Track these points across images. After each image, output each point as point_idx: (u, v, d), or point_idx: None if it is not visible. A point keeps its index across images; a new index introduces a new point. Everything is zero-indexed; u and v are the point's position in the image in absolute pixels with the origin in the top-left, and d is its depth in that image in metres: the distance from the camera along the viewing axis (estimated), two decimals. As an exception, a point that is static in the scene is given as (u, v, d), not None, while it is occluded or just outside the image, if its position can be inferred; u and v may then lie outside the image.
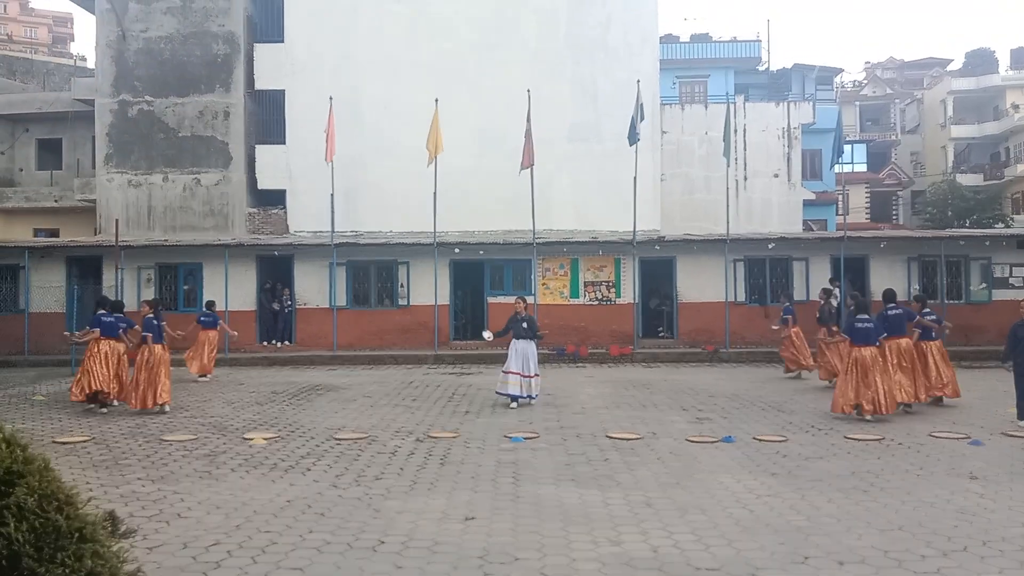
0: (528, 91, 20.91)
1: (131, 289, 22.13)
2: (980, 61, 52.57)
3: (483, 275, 22.61)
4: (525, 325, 13.40)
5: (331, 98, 21.25)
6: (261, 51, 25.07)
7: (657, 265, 22.82)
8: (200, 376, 17.15)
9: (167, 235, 24.00)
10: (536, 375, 13.25)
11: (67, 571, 2.66)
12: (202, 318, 17.62)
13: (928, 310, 13.61)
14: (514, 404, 12.98)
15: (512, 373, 13.03)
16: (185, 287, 22.59)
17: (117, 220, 22.59)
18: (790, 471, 8.37)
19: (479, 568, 5.53)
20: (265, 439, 10.21)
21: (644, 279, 22.62)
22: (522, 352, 13.12)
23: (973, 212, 41.01)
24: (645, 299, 23.07)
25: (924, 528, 6.37)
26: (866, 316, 12.19)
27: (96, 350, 12.99)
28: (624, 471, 8.41)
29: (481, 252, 22.26)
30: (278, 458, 9.11)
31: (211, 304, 18.25)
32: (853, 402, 11.53)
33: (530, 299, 21.23)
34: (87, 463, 8.94)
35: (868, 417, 11.43)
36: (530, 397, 13.15)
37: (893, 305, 12.67)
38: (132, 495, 7.53)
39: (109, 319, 13.34)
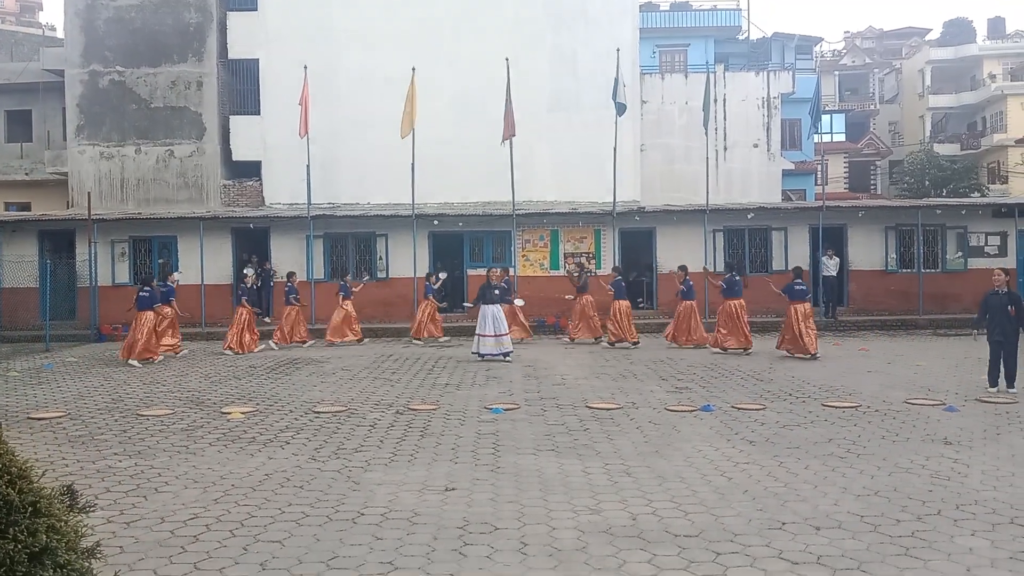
0: (507, 61, 20.69)
1: (105, 263, 21.84)
2: (958, 31, 52.60)
3: (463, 247, 22.52)
4: (496, 292, 15.49)
5: (306, 67, 20.93)
6: (234, 20, 24.61)
7: (637, 236, 22.81)
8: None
9: (140, 208, 23.66)
10: (505, 333, 15.28)
11: (20, 546, 2.59)
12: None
13: (734, 273, 16.95)
14: (488, 357, 15.02)
15: (486, 336, 15.09)
16: (160, 260, 22.32)
17: (89, 193, 22.26)
18: (768, 439, 8.43)
19: (459, 538, 5.53)
20: (243, 413, 10.15)
21: (624, 250, 22.61)
22: (492, 316, 15.16)
23: (950, 181, 41.27)
24: (626, 270, 23.05)
25: (899, 493, 6.45)
26: (801, 280, 15.97)
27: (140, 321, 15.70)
28: (604, 440, 8.44)
29: (460, 224, 22.15)
30: (256, 432, 9.05)
31: (291, 275, 19.34)
32: (790, 345, 15.20)
33: (511, 271, 21.22)
34: (63, 439, 8.85)
35: (817, 355, 14.89)
36: (504, 354, 15.06)
37: (731, 275, 16.76)
38: (108, 470, 7.46)
39: (144, 293, 16.05)
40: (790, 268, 18.22)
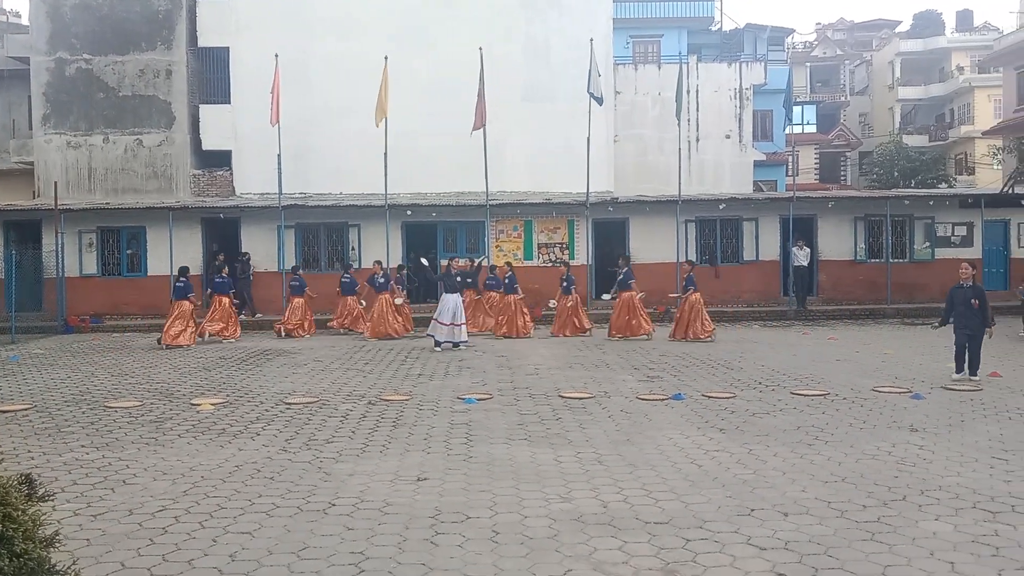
0: (480, 50, 20.61)
1: (72, 254, 21.54)
2: (927, 23, 53.26)
3: (436, 237, 22.46)
4: (459, 279, 16.11)
5: (277, 56, 20.71)
6: (204, 7, 24.26)
7: (610, 226, 22.89)
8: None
9: (108, 198, 23.32)
10: (462, 323, 15.71)
11: None
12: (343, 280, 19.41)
13: (627, 268, 17.85)
14: (438, 348, 15.37)
15: (442, 324, 15.50)
16: (128, 251, 22.05)
17: (56, 183, 21.91)
18: (737, 426, 8.51)
19: (431, 527, 5.53)
20: (213, 404, 10.06)
21: (597, 241, 22.67)
22: (452, 305, 15.59)
23: (918, 173, 41.75)
24: (599, 261, 23.12)
25: (866, 479, 6.54)
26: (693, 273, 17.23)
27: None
28: (576, 429, 8.47)
29: (434, 214, 22.09)
30: (226, 423, 8.98)
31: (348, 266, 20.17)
32: (685, 333, 16.48)
33: (483, 261, 21.14)
34: (28, 431, 8.72)
35: (712, 338, 16.30)
36: (456, 343, 15.48)
37: (628, 269, 17.65)
38: (75, 462, 7.36)
39: (179, 284, 17.21)
40: (699, 260, 19.43)
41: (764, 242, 22.56)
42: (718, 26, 37.24)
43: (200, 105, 24.38)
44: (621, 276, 17.48)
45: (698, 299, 16.81)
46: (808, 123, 46.94)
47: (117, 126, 23.81)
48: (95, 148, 23.79)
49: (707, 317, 16.87)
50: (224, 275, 18.37)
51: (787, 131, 31.89)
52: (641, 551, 5.07)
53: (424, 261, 17.72)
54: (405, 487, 6.47)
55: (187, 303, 17.08)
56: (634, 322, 16.97)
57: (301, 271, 20.06)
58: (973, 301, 11.36)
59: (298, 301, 18.96)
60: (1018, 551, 5.00)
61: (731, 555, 4.98)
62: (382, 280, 18.13)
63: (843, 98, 52.81)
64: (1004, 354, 13.84)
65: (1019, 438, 7.89)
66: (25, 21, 36.80)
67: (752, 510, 5.80)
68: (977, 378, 11.22)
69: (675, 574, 4.72)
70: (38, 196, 23.62)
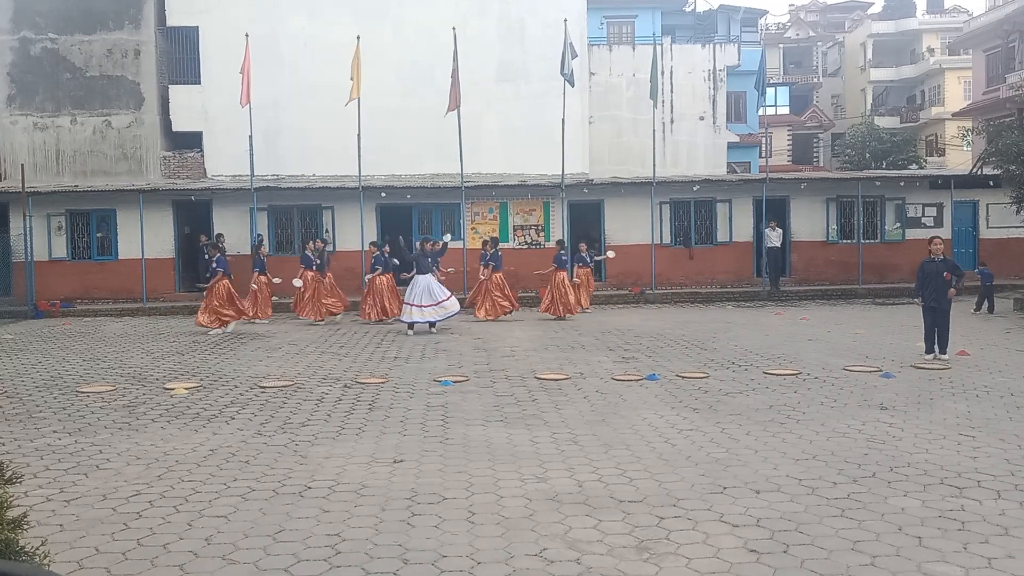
0: (454, 29, 20.45)
1: (41, 237, 21.21)
2: (899, 4, 53.52)
3: (411, 220, 22.35)
4: (429, 260, 15.69)
5: (247, 35, 20.41)
6: (172, -15, 23.83)
7: (585, 208, 22.91)
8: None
9: (77, 180, 22.93)
10: (442, 302, 15.22)
11: None
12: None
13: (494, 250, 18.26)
14: (410, 332, 15.05)
15: (415, 305, 15.09)
16: (98, 235, 21.74)
17: (23, 165, 21.52)
18: (711, 406, 8.60)
19: (407, 508, 5.55)
20: (187, 389, 9.99)
21: (573, 222, 22.69)
22: (425, 285, 15.24)
23: (889, 154, 42.14)
24: (574, 243, 23.12)
25: (836, 457, 6.64)
26: (566, 252, 18.41)
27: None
28: (552, 410, 8.52)
29: (408, 196, 21.96)
30: (200, 407, 8.92)
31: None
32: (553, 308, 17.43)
33: (458, 243, 21.12)
34: (-2, 417, 8.61)
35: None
36: (445, 317, 15.29)
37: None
38: (47, 448, 7.29)
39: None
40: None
41: (737, 223, 22.70)
42: (692, 7, 37.22)
43: (169, 85, 24.00)
44: (487, 257, 17.99)
45: (565, 277, 17.81)
46: (781, 104, 47.21)
47: (85, 107, 23.38)
48: (63, 130, 23.36)
49: (580, 294, 18.30)
50: (261, 254, 18.33)
51: (760, 112, 32.03)
52: (616, 529, 5.12)
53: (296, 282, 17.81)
54: (381, 469, 6.48)
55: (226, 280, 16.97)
56: (503, 302, 17.64)
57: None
58: (946, 274, 11.49)
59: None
60: (983, 525, 5.12)
61: (704, 532, 5.05)
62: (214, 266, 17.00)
63: (816, 80, 53.07)
64: (972, 333, 14.09)
65: (985, 415, 8.05)
66: (-13, -1, 35.96)
67: (725, 488, 5.88)
68: (946, 356, 11.39)
69: (649, 551, 4.78)
70: (5, 179, 23.16)
